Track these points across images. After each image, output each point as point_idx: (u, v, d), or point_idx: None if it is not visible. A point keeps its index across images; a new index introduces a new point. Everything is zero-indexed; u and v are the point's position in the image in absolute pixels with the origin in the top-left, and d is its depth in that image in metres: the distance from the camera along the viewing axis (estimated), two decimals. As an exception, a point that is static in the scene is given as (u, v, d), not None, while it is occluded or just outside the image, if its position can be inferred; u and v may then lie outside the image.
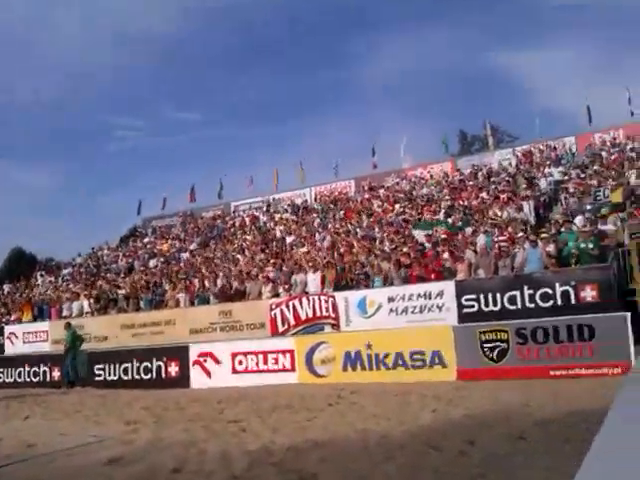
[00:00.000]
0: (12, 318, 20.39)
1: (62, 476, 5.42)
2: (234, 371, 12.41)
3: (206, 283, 16.64)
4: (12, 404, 11.99)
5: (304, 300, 12.91)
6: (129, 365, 13.78)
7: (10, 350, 18.04)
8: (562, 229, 12.18)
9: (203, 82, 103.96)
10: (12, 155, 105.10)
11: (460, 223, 16.12)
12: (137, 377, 13.62)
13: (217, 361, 12.64)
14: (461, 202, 19.36)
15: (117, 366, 13.98)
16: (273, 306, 13.25)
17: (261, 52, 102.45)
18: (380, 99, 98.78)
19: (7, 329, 18.70)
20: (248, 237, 24.60)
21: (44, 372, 15.52)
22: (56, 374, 15.37)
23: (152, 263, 25.15)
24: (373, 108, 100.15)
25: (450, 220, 16.81)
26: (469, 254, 12.26)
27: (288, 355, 11.74)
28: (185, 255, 25.08)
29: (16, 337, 18.03)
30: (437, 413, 7.09)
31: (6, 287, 29.60)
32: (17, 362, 16.28)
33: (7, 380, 16.24)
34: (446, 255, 12.48)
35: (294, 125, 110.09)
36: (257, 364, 12.12)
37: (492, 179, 22.27)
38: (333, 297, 12.47)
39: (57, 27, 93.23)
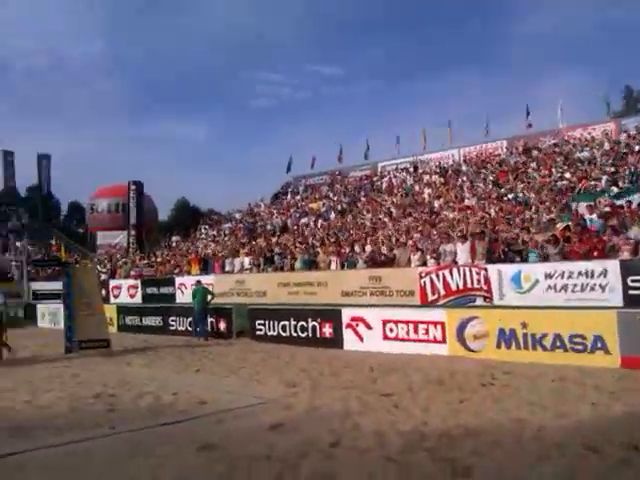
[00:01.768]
0: (181, 271, 22.41)
1: (230, 440, 5.86)
2: (385, 337, 12.66)
3: (356, 248, 17.04)
4: (184, 354, 13.35)
5: (454, 270, 12.82)
6: (287, 323, 14.65)
7: (180, 299, 19.94)
8: None
9: (346, 36, 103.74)
10: (173, 111, 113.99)
11: (625, 191, 14.88)
12: (294, 335, 14.45)
13: (368, 326, 12.98)
14: (626, 168, 17.81)
15: (276, 323, 14.93)
16: (423, 274, 13.31)
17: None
18: (535, 53, 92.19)
19: (177, 280, 20.63)
20: (395, 200, 24.62)
21: (211, 323, 16.96)
22: (221, 325, 16.79)
23: (303, 221, 26.14)
24: (527, 64, 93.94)
25: (615, 189, 15.57)
26: (636, 231, 11.32)
27: (439, 327, 11.72)
28: (334, 215, 25.72)
29: (185, 288, 19.83)
30: (597, 407, 6.80)
31: (174, 238, 32.42)
32: (189, 312, 17.79)
33: (179, 328, 17.96)
34: (609, 231, 11.63)
35: (441, 83, 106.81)
36: (407, 333, 12.24)
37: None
38: (485, 269, 12.24)
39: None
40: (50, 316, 23.27)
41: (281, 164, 40.06)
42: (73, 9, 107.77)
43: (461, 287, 12.55)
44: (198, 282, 17.63)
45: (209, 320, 16.97)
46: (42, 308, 24.29)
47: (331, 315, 13.87)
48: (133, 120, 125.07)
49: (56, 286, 18.90)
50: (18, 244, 32.57)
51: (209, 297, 16.83)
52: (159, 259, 26.43)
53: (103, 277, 24.34)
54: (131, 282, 23.12)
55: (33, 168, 39.68)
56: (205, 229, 32.43)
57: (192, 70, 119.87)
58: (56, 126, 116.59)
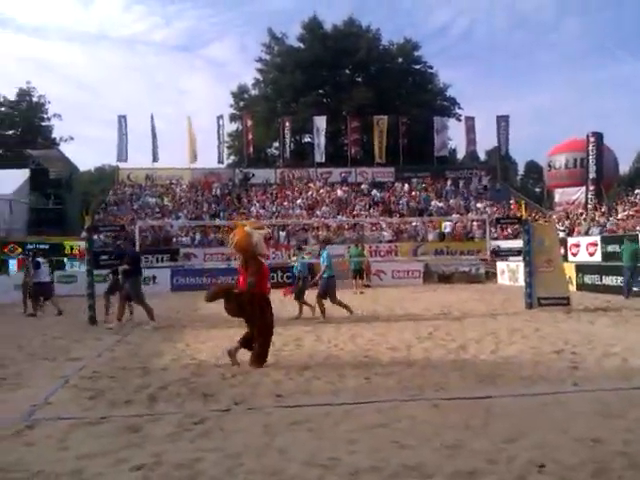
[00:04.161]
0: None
1: None
2: None
3: None
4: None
5: None
6: None
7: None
8: None
9: None
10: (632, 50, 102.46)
11: None
12: None
13: None
14: None
15: None
16: None
17: None
18: None
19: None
20: None
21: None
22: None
23: None
24: None
25: None
26: None
27: None
28: None
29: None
30: None
31: (638, 192, 29.57)
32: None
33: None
34: None
35: None
36: None
37: None
38: None
39: None
40: (509, 273, 24.36)
41: None
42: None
43: None
44: (628, 238, 16.74)
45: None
46: (501, 265, 25.59)
47: None
48: (588, 65, 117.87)
49: (515, 244, 19.54)
50: (479, 205, 34.96)
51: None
52: (620, 215, 24.54)
53: (561, 235, 24.01)
54: (590, 239, 22.22)
55: (492, 131, 41.76)
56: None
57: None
58: (513, 86, 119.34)
